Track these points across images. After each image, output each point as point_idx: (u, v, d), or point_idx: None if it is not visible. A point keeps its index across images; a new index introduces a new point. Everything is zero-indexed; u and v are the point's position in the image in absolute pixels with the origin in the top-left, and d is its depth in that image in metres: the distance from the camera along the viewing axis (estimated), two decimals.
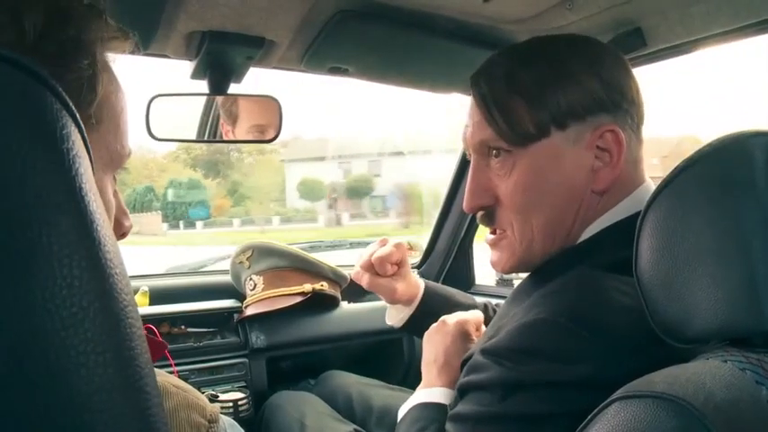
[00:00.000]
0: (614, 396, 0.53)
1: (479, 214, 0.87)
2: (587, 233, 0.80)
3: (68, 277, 0.28)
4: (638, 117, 0.81)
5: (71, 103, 0.31)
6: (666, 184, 0.61)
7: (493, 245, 0.88)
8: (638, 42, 1.04)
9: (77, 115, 0.31)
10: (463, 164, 1.89)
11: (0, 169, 0.27)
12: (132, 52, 0.60)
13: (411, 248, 2.35)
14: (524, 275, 0.88)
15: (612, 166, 0.78)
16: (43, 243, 0.28)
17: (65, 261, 0.28)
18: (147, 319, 1.53)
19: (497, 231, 0.86)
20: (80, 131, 0.32)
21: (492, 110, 0.80)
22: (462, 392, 0.76)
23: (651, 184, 0.80)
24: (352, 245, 2.79)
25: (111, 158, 0.57)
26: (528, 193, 0.80)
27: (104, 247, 0.31)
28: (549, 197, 0.79)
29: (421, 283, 1.22)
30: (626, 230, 0.68)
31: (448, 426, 0.75)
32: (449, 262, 2.11)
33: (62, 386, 0.28)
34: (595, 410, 0.54)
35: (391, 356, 1.95)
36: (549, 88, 0.77)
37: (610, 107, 0.77)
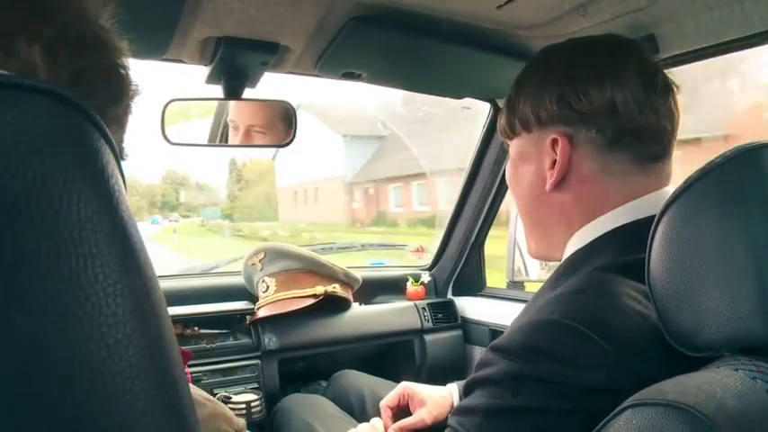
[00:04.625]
0: (625, 404, 0.53)
1: None
2: (586, 235, 0.81)
3: (113, 306, 0.29)
4: (614, 131, 0.79)
5: (109, 132, 0.32)
6: (679, 195, 0.61)
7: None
8: (651, 49, 1.04)
9: (114, 143, 0.32)
10: (475, 168, 1.90)
11: (49, 202, 0.28)
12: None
13: (422, 250, 2.35)
14: (534, 281, 0.91)
15: (555, 171, 0.82)
16: (89, 274, 0.29)
17: (109, 290, 0.29)
18: None
19: None
20: (116, 159, 0.32)
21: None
22: (470, 388, 0.76)
23: (662, 193, 0.79)
24: (364, 246, 2.80)
25: None
26: (509, 180, 0.94)
27: (145, 273, 0.32)
28: (519, 188, 0.91)
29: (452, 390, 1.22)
30: (627, 236, 0.76)
31: (454, 419, 0.74)
32: (460, 264, 2.11)
33: (109, 411, 0.28)
34: (606, 418, 0.55)
35: (403, 358, 1.96)
36: (524, 94, 0.86)
37: (572, 119, 0.80)
